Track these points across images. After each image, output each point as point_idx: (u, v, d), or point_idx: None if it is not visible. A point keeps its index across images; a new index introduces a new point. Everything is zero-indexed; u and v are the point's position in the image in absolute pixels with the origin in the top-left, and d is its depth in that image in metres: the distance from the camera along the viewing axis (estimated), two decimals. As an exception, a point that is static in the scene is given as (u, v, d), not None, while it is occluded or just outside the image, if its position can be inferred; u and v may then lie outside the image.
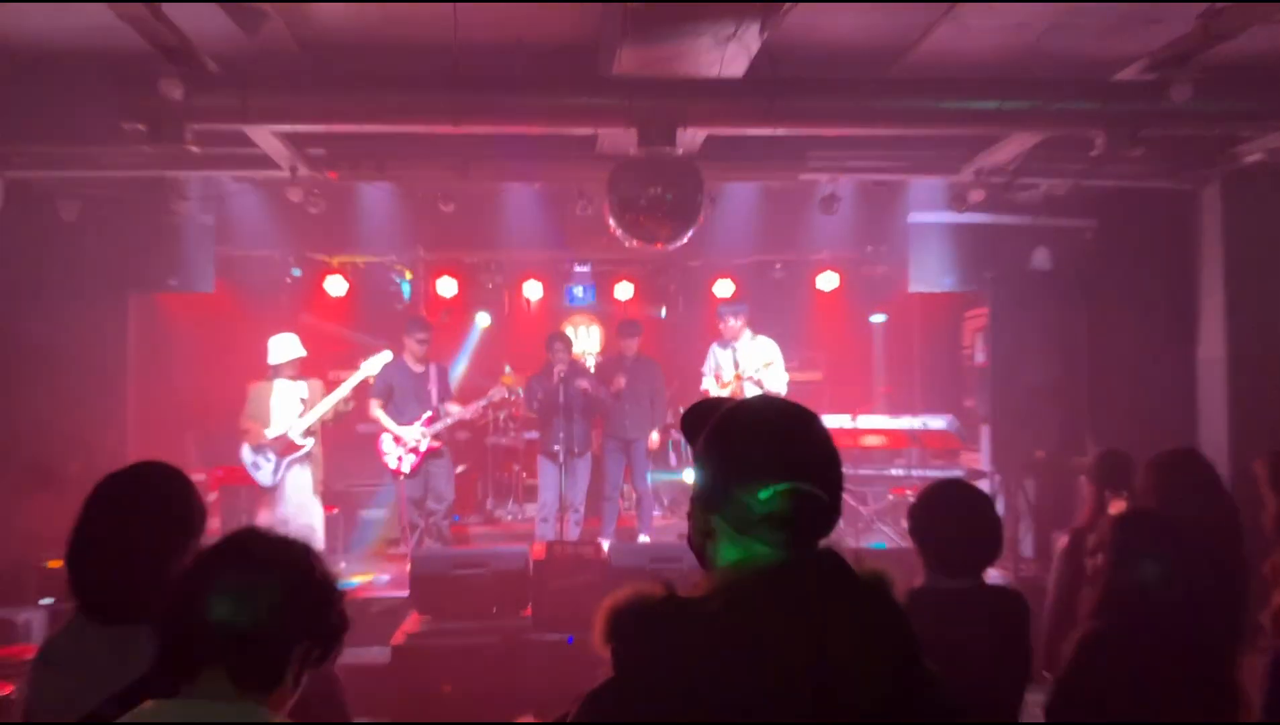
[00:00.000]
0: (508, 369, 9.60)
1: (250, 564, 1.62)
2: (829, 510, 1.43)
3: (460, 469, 8.97)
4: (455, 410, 7.75)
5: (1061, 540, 4.25)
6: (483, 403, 7.97)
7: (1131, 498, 4.09)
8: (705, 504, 1.48)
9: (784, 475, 1.39)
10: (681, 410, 2.00)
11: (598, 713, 1.34)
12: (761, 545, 1.39)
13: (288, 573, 1.63)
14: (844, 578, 1.37)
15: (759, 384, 7.63)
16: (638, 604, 1.35)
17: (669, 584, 1.37)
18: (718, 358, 8.16)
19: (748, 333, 8.01)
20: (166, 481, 2.18)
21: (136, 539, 2.03)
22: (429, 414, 7.65)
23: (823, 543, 1.43)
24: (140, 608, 1.85)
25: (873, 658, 1.29)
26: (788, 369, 8.01)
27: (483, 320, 10.62)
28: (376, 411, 7.62)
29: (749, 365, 7.79)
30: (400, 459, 7.60)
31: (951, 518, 2.80)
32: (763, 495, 1.38)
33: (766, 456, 1.42)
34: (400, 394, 7.66)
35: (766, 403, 1.55)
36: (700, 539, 1.50)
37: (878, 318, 10.28)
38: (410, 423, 7.61)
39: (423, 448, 7.61)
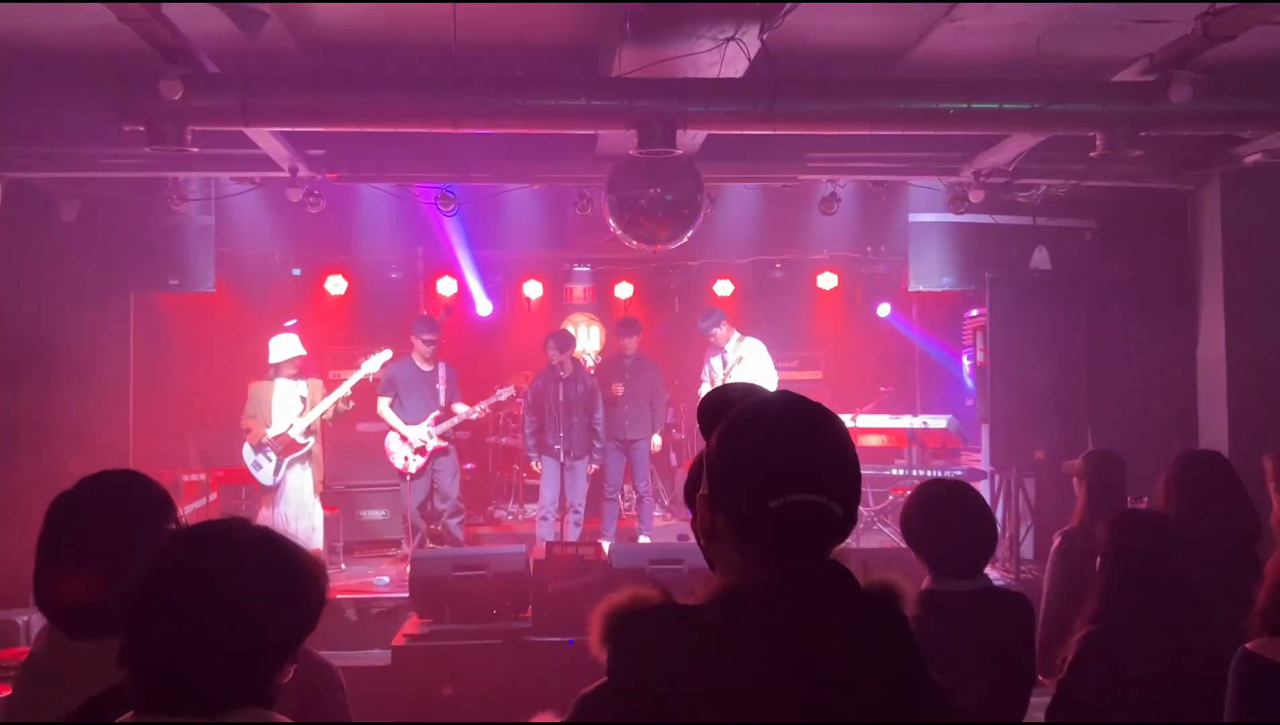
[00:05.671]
0: None
1: (209, 565, 1.49)
2: (840, 521, 1.35)
3: (469, 466, 8.99)
4: (462, 410, 7.74)
5: (1054, 542, 4.23)
6: (489, 402, 7.96)
7: (1153, 499, 4.03)
8: (711, 503, 1.41)
9: (794, 485, 1.32)
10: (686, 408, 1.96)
11: (588, 715, 1.33)
12: (765, 553, 1.33)
13: (249, 570, 1.50)
14: (845, 595, 1.32)
15: None
16: (633, 608, 1.32)
17: (665, 589, 1.33)
18: (712, 367, 8.28)
19: (736, 335, 8.16)
20: (121, 487, 2.06)
21: (95, 550, 1.95)
22: (436, 413, 7.65)
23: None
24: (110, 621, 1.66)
25: (863, 679, 1.25)
26: (789, 368, 8.04)
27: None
28: (384, 410, 7.61)
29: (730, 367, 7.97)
30: (407, 459, 7.59)
31: (947, 518, 2.74)
32: (770, 504, 1.31)
33: (777, 463, 1.34)
34: (407, 393, 7.65)
35: (782, 402, 1.43)
36: (705, 537, 1.45)
37: (884, 310, 10.17)
38: (417, 422, 7.60)
39: (429, 447, 7.61)
